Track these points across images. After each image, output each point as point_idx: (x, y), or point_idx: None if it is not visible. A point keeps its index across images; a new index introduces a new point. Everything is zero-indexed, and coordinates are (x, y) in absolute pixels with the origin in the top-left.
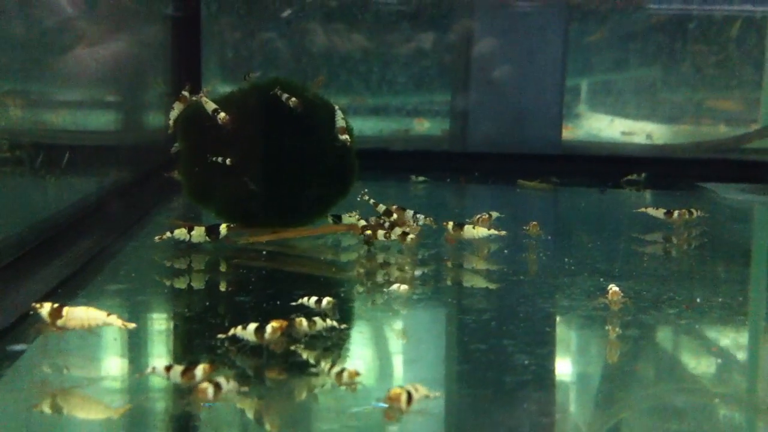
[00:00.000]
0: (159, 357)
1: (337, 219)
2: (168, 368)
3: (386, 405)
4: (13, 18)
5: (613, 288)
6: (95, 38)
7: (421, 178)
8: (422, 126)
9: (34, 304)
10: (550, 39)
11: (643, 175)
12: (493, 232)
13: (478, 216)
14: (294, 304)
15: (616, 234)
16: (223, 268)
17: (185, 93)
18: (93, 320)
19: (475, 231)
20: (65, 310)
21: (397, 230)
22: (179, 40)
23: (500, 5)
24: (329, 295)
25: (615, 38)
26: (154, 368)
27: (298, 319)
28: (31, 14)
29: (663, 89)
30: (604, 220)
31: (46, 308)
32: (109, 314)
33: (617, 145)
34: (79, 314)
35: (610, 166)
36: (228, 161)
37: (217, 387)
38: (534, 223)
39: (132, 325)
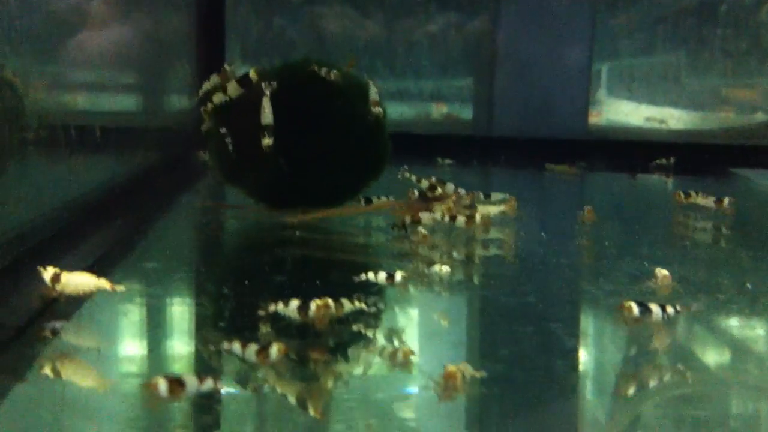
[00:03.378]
0: (194, 336)
1: (369, 201)
2: (243, 347)
3: (440, 384)
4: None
5: (662, 272)
6: (121, 22)
7: (447, 161)
8: (441, 111)
9: (39, 267)
10: (578, 23)
11: (672, 159)
12: (501, 208)
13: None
14: (359, 280)
15: (653, 218)
16: (256, 247)
17: (226, 67)
18: (86, 285)
19: (489, 209)
20: (64, 275)
21: (461, 218)
22: (204, 23)
23: None
24: (363, 273)
25: (642, 22)
26: (230, 347)
27: (326, 299)
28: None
29: (689, 75)
30: (639, 204)
31: (48, 273)
32: (99, 278)
33: (644, 131)
34: (74, 280)
35: (636, 151)
36: (223, 130)
37: (178, 384)
38: (588, 208)
39: (120, 288)
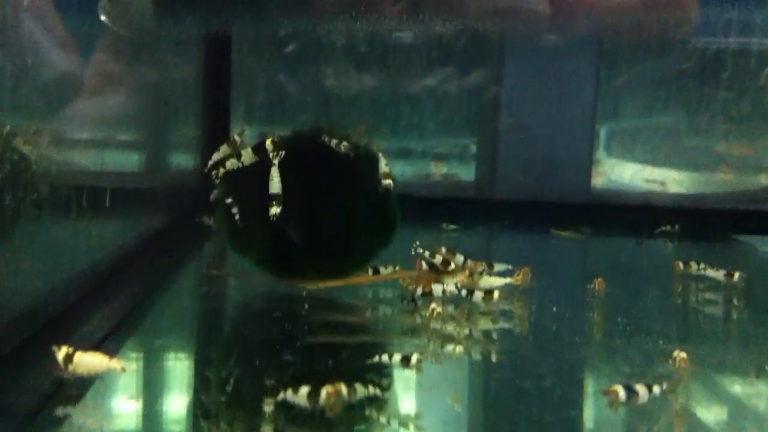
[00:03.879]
0: (204, 423)
1: (376, 271)
2: None
3: None
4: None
5: (681, 355)
6: (126, 81)
7: (452, 227)
8: (440, 170)
9: (53, 346)
10: (581, 84)
11: (677, 226)
12: (507, 280)
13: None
14: (371, 362)
15: (662, 289)
16: (265, 322)
17: (237, 138)
18: (98, 366)
19: (492, 280)
20: (76, 355)
21: (479, 294)
22: (210, 83)
23: (530, 49)
24: (378, 355)
25: (643, 84)
26: None
27: (338, 385)
28: (57, 58)
29: (691, 136)
30: (647, 274)
31: (61, 353)
32: (110, 359)
33: (647, 195)
34: (87, 360)
35: (640, 215)
36: (229, 200)
37: None
38: (599, 279)
39: (131, 368)
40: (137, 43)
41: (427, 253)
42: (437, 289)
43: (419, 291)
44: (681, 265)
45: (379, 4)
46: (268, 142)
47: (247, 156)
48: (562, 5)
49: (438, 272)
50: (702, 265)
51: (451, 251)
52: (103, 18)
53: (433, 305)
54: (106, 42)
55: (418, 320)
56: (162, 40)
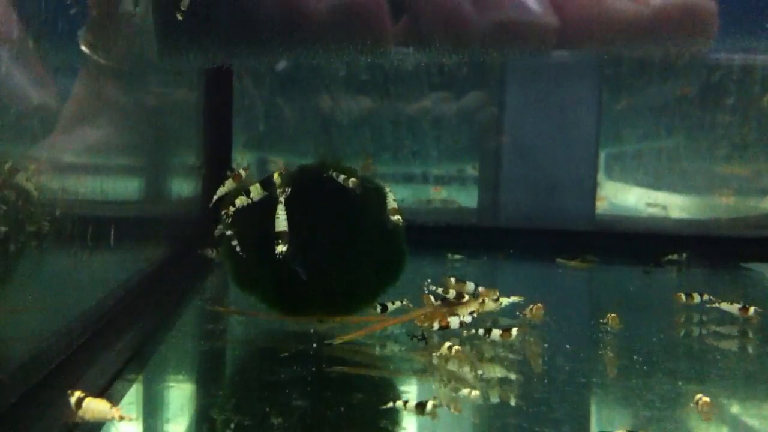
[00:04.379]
0: None
1: (384, 308)
2: None
3: None
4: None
5: (704, 399)
6: (113, 111)
7: (457, 256)
8: (439, 195)
9: (69, 390)
10: (583, 107)
11: (684, 255)
12: (510, 299)
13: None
14: (385, 407)
15: (675, 323)
16: (273, 364)
17: (241, 172)
18: (103, 413)
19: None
20: (85, 401)
21: (496, 331)
22: (211, 111)
23: (532, 73)
24: (391, 401)
25: (645, 108)
26: None
27: None
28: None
29: (693, 159)
30: (657, 305)
31: (74, 397)
32: (112, 407)
33: (652, 220)
34: (92, 407)
35: (646, 243)
36: (229, 232)
37: None
38: (613, 315)
39: (132, 417)
40: (129, 73)
41: (440, 290)
42: (454, 321)
43: (435, 326)
44: (683, 297)
45: (378, 24)
46: (276, 175)
47: (256, 192)
48: (572, 17)
49: (450, 305)
50: (706, 297)
51: (460, 280)
52: (83, 48)
53: (448, 343)
54: (86, 73)
55: (429, 358)
56: (159, 71)
